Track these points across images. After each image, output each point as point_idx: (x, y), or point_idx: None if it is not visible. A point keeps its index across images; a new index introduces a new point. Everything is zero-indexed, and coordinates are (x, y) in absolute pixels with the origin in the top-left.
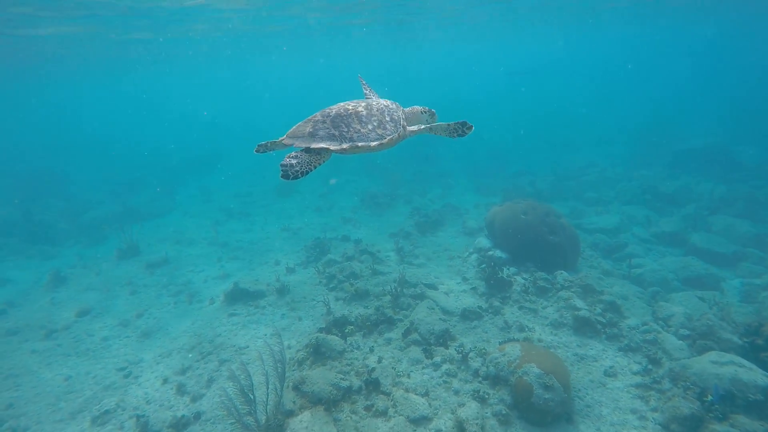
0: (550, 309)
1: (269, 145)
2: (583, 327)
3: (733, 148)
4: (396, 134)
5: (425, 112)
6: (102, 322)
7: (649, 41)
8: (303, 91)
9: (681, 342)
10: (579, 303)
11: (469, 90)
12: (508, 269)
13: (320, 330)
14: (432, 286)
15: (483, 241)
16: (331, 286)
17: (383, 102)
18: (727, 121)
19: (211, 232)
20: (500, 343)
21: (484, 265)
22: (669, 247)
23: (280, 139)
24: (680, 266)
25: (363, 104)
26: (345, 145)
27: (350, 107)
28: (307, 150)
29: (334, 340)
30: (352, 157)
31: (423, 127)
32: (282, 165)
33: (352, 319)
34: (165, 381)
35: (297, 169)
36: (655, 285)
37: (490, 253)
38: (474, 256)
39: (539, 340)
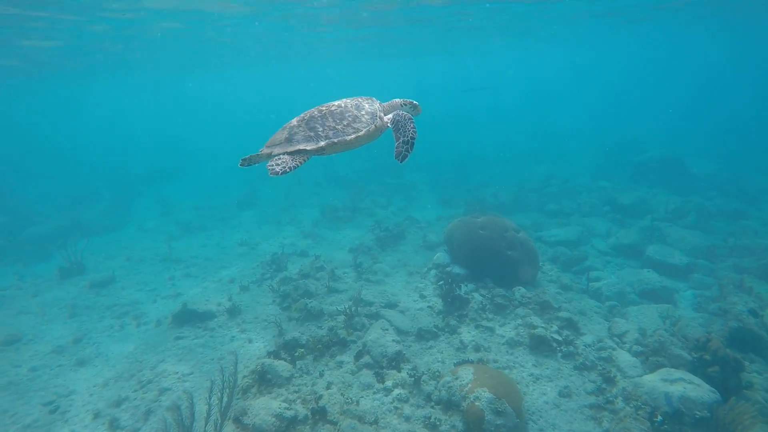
0: (507, 327)
1: (252, 158)
2: (540, 346)
3: (687, 160)
4: (372, 125)
5: (405, 104)
6: (32, 350)
7: (610, 55)
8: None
9: (634, 359)
10: (536, 320)
11: (434, 102)
12: (466, 286)
13: (269, 354)
14: (389, 305)
15: (442, 257)
16: (284, 305)
17: (360, 99)
18: (682, 132)
19: (165, 248)
20: (455, 365)
21: (441, 282)
22: (627, 259)
23: (261, 150)
24: (637, 279)
25: (336, 103)
26: (322, 143)
27: (324, 108)
28: (288, 154)
29: (282, 365)
30: (314, 169)
31: (392, 114)
32: (268, 165)
33: (303, 342)
34: (96, 415)
35: (282, 166)
36: (613, 299)
37: (449, 269)
38: (433, 272)
39: (494, 361)
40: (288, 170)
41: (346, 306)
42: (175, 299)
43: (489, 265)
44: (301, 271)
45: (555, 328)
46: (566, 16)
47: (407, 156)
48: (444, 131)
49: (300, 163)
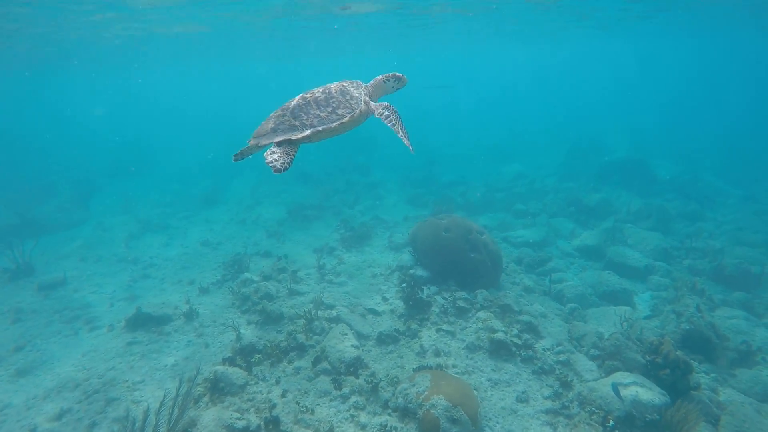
0: (468, 330)
1: (244, 151)
2: (499, 350)
3: (650, 162)
4: (357, 110)
5: (389, 79)
6: None
7: (579, 57)
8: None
9: (591, 363)
10: (496, 324)
11: (405, 99)
12: (429, 288)
13: (224, 360)
14: (350, 308)
15: (406, 258)
16: (244, 308)
17: (344, 82)
18: (648, 135)
19: (123, 248)
20: (414, 370)
21: (404, 285)
22: (590, 260)
23: (248, 141)
24: (598, 281)
25: (320, 89)
26: (307, 132)
27: (308, 95)
28: (277, 145)
29: (236, 372)
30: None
31: (381, 108)
32: (267, 163)
33: (261, 347)
34: (32, 431)
35: (281, 161)
36: (574, 301)
37: (412, 271)
38: (396, 274)
39: (454, 366)
40: (288, 165)
41: (306, 309)
42: (131, 302)
43: (452, 268)
44: (263, 272)
45: (515, 331)
46: (540, 19)
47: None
48: (415, 129)
49: (293, 154)
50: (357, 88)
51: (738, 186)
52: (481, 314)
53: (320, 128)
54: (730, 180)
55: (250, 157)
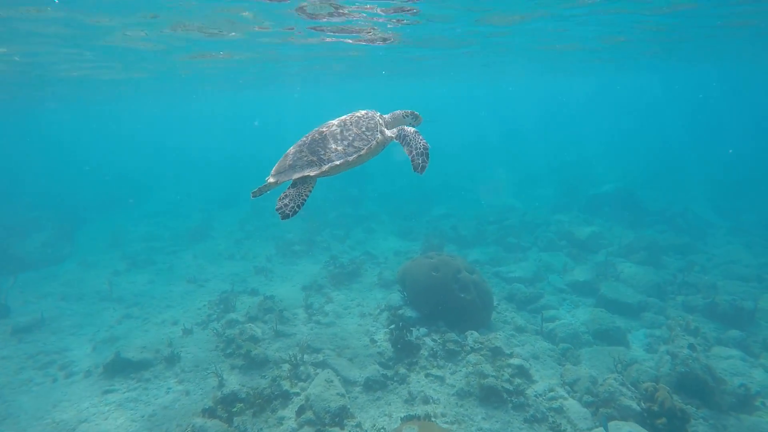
0: (458, 375)
1: (262, 188)
2: (490, 396)
3: (639, 193)
4: (374, 141)
5: (407, 116)
6: None
7: (573, 90)
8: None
9: (585, 410)
10: (487, 368)
11: None
12: (418, 330)
13: (203, 411)
14: (337, 350)
15: (394, 298)
16: (228, 351)
17: (359, 113)
18: (637, 164)
19: (106, 286)
20: (401, 420)
21: (393, 326)
22: (582, 296)
23: (267, 179)
24: (590, 319)
25: (336, 122)
26: (324, 167)
27: (324, 129)
28: (293, 183)
29: (215, 426)
30: (271, 199)
31: (396, 130)
32: (277, 209)
33: (243, 395)
34: None
35: (291, 206)
36: (567, 341)
37: (401, 311)
38: (385, 314)
39: (443, 415)
40: (298, 208)
41: (291, 354)
42: (112, 344)
43: (442, 308)
44: (248, 313)
45: (506, 376)
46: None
47: (425, 167)
48: (407, 160)
49: (307, 193)
50: (372, 118)
51: (726, 217)
52: (472, 357)
53: (338, 162)
54: (719, 210)
55: (268, 193)
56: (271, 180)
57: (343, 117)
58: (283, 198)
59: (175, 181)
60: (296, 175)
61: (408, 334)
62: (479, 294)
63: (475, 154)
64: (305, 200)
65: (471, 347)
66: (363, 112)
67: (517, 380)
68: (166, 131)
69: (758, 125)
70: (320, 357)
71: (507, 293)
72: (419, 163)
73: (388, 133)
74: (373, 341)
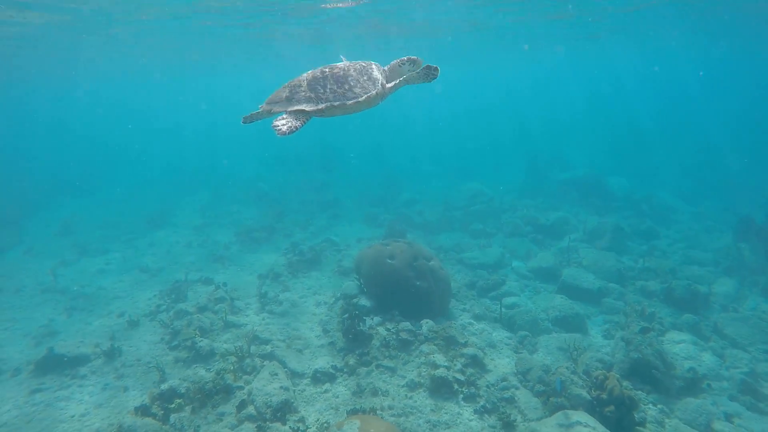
0: (410, 366)
1: (254, 116)
2: (440, 388)
3: (607, 178)
4: (374, 91)
5: (404, 63)
6: None
7: (542, 72)
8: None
9: (536, 399)
10: (439, 359)
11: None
12: (372, 319)
13: (136, 409)
14: (287, 341)
15: (350, 287)
16: (174, 343)
17: (363, 63)
18: (606, 150)
19: (50, 276)
20: (347, 413)
21: (346, 315)
22: (545, 282)
23: (260, 107)
24: (550, 305)
25: (340, 65)
26: (321, 106)
27: (327, 69)
28: (288, 114)
29: (147, 425)
30: (236, 185)
31: (400, 80)
32: (273, 126)
33: (182, 391)
34: None
35: (288, 126)
36: (525, 328)
37: (356, 300)
38: (340, 303)
39: (390, 408)
40: (294, 130)
41: (238, 345)
42: (50, 339)
43: (397, 297)
44: (198, 303)
45: (459, 366)
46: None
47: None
48: (378, 144)
49: (302, 123)
50: (376, 70)
51: (690, 202)
52: (425, 347)
53: (336, 103)
54: (683, 196)
55: (259, 121)
56: (265, 108)
57: (347, 62)
58: (280, 119)
59: (138, 165)
60: (291, 108)
61: (361, 324)
62: (436, 282)
63: (445, 138)
64: (301, 126)
65: (425, 336)
66: (366, 62)
67: (470, 370)
68: (127, 109)
69: (732, 114)
70: (268, 348)
71: (469, 280)
72: (432, 77)
73: (388, 85)
74: (325, 331)
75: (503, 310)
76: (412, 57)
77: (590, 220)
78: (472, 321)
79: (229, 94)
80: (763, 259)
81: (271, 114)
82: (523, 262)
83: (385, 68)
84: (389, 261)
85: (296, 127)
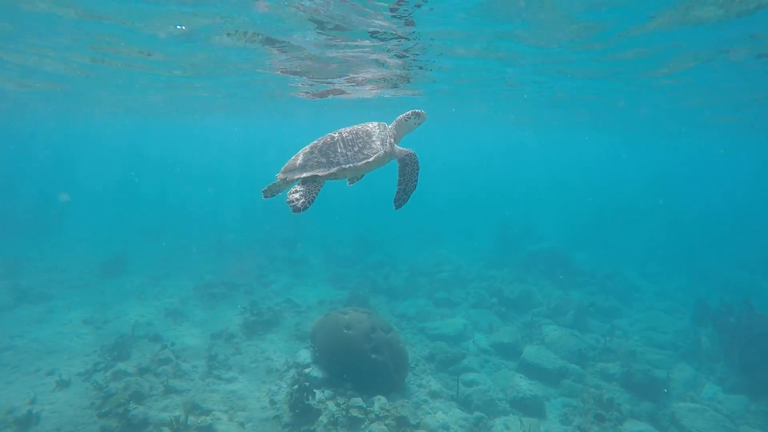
0: None
1: (272, 188)
2: None
3: (573, 253)
4: (382, 151)
5: (410, 118)
6: None
7: (519, 142)
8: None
9: None
10: None
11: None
12: (322, 393)
13: None
14: (230, 413)
15: (304, 355)
16: (104, 410)
17: (370, 125)
18: (575, 224)
19: None
20: None
21: (295, 387)
22: (505, 358)
23: (277, 176)
24: (509, 385)
25: (348, 130)
26: (333, 169)
27: (336, 135)
28: (303, 181)
29: None
30: (202, 236)
31: (403, 151)
32: (288, 202)
33: None
34: None
35: (302, 201)
36: (482, 408)
37: (308, 370)
38: (292, 372)
39: None
40: (309, 204)
41: (174, 416)
42: None
43: (352, 369)
44: (140, 363)
45: None
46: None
47: (402, 206)
48: (348, 205)
49: (316, 192)
50: (383, 130)
51: (653, 281)
52: (374, 427)
53: (346, 166)
54: (646, 275)
55: (279, 194)
56: (281, 176)
57: (355, 126)
58: (293, 192)
59: (99, 207)
60: (305, 174)
61: (309, 397)
62: (392, 356)
63: (417, 203)
64: (315, 197)
65: (376, 415)
66: (373, 123)
67: None
68: (90, 149)
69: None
70: (208, 420)
71: (429, 352)
72: (400, 200)
73: (397, 148)
74: (272, 403)
75: (461, 387)
76: (416, 110)
77: (555, 294)
78: (428, 398)
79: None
80: (719, 347)
81: (288, 183)
82: (486, 336)
83: (391, 126)
84: (346, 331)
85: (311, 200)
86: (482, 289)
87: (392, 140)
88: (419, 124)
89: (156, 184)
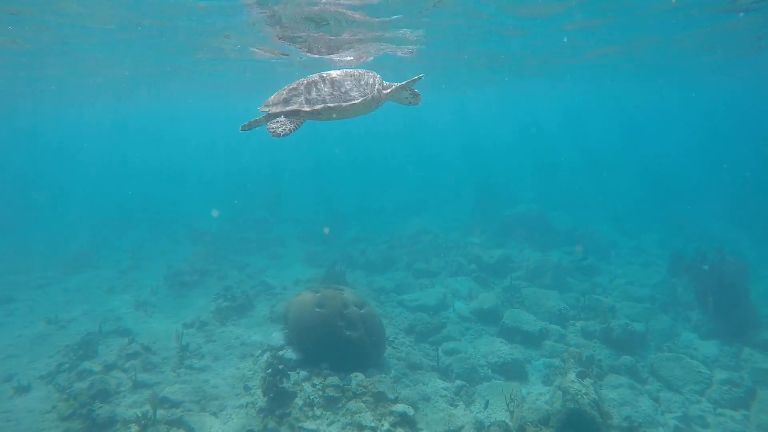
0: (335, 426)
1: (253, 123)
2: None
3: (550, 214)
4: (369, 95)
5: (405, 89)
6: None
7: (492, 103)
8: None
9: None
10: (366, 418)
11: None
12: (298, 374)
13: None
14: (202, 403)
15: (276, 338)
16: (67, 413)
17: (361, 70)
18: (552, 185)
19: None
20: None
21: (269, 371)
22: (486, 324)
23: (259, 108)
24: (490, 350)
25: (338, 72)
26: (318, 106)
27: (324, 75)
28: (285, 115)
29: None
30: (174, 223)
31: (395, 86)
32: (268, 128)
33: None
34: None
35: (282, 129)
36: (463, 377)
37: (281, 353)
38: (266, 356)
39: None
40: (288, 132)
41: (143, 411)
42: None
43: (326, 348)
44: (105, 361)
45: (386, 426)
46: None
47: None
48: (324, 181)
49: (297, 125)
50: (373, 77)
51: (631, 237)
52: (352, 405)
53: (331, 105)
54: (624, 231)
55: (257, 128)
56: (263, 108)
57: (346, 69)
58: (275, 122)
59: (63, 202)
60: (288, 108)
61: (284, 380)
62: (368, 331)
63: (392, 174)
64: (295, 130)
65: (353, 392)
66: (365, 70)
67: (399, 430)
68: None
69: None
70: (179, 412)
71: (408, 324)
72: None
73: (384, 92)
74: (246, 389)
75: (442, 356)
76: (416, 90)
77: (533, 256)
78: (407, 371)
79: (178, 128)
80: (693, 295)
81: (270, 117)
82: (466, 303)
83: (386, 83)
84: (318, 310)
85: (290, 130)
86: (461, 257)
87: (381, 87)
88: (410, 104)
89: (121, 175)
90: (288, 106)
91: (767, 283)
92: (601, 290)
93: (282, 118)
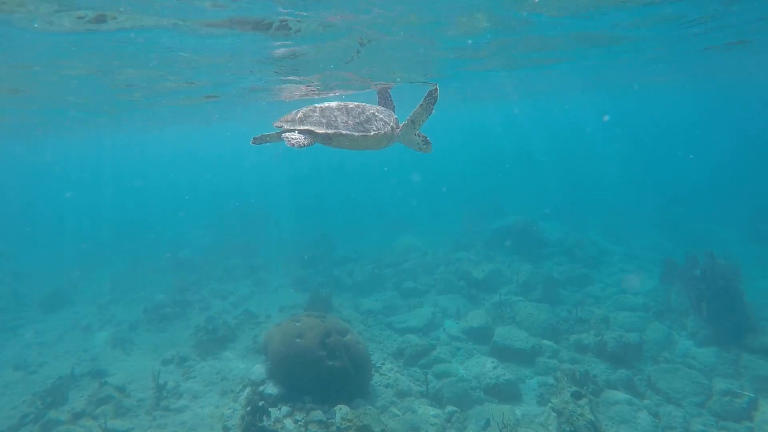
0: None
1: (265, 136)
2: None
3: (539, 224)
4: (382, 131)
5: (419, 134)
6: None
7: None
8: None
9: None
10: None
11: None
12: (279, 410)
13: None
14: None
15: (258, 371)
16: None
17: (379, 108)
18: (536, 196)
19: None
20: None
21: (249, 408)
22: (477, 343)
23: (274, 124)
24: (482, 371)
25: (355, 104)
26: (331, 131)
27: (342, 104)
28: (300, 132)
29: None
30: (158, 254)
31: (407, 121)
32: (285, 137)
33: None
34: None
35: (299, 141)
36: (454, 402)
37: (262, 388)
38: (247, 391)
39: None
40: (303, 145)
41: None
42: None
43: (308, 380)
44: (74, 408)
45: None
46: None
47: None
48: (314, 200)
49: (309, 143)
50: (388, 116)
51: (621, 243)
52: None
53: (344, 132)
54: (614, 237)
55: (269, 144)
56: (276, 124)
57: (365, 104)
58: (291, 134)
59: (39, 236)
60: (302, 127)
61: (264, 418)
62: (351, 360)
63: (380, 192)
64: (308, 145)
65: (337, 427)
66: (383, 109)
67: None
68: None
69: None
70: None
71: (397, 347)
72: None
73: (397, 131)
74: (225, 429)
75: (432, 380)
76: (428, 138)
77: (523, 269)
78: (396, 399)
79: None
80: (687, 302)
81: (282, 134)
82: (456, 322)
83: (401, 123)
84: (298, 341)
85: (304, 144)
86: (450, 274)
87: (394, 126)
88: (421, 150)
89: (101, 204)
90: (302, 125)
91: (762, 283)
92: (594, 300)
93: (298, 134)
